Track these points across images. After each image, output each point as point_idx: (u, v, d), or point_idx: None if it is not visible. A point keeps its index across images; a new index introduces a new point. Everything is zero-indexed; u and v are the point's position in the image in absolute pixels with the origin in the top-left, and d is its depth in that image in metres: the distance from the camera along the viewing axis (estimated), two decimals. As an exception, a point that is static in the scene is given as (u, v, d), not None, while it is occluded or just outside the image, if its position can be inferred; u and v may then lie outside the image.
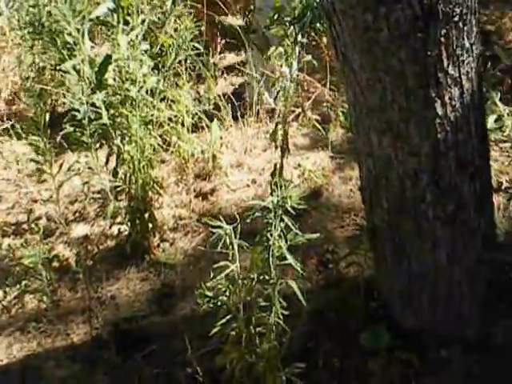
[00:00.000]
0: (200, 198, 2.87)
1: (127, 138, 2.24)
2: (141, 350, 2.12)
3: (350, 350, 2.02)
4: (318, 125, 3.10)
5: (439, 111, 1.63)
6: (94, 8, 2.25)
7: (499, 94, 3.24)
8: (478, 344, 1.93)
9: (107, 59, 2.15)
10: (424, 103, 1.63)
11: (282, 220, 1.55)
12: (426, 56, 1.56)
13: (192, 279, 2.41)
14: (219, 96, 3.20)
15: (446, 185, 1.74)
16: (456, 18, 1.54)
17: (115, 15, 2.23)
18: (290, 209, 1.54)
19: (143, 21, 2.31)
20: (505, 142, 3.04)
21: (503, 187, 2.75)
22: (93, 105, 2.12)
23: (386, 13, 1.50)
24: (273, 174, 2.71)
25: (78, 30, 2.09)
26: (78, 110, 2.08)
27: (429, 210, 1.77)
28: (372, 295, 2.14)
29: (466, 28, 1.59)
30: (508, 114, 3.11)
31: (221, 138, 3.10)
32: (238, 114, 3.23)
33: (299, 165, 3.06)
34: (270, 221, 1.55)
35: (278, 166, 2.66)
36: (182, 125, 2.77)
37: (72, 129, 2.16)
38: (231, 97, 3.30)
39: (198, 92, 3.22)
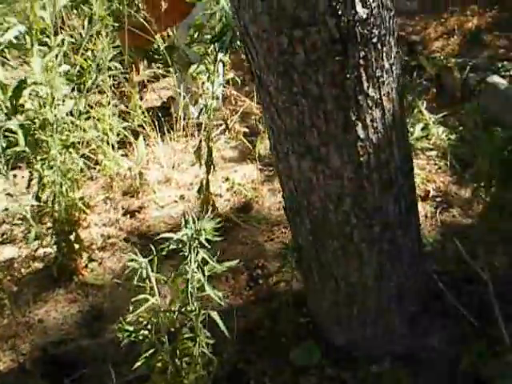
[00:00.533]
0: (128, 216, 2.87)
1: (47, 163, 2.22)
2: (70, 375, 2.10)
3: (282, 368, 2.04)
4: (244, 139, 3.14)
5: (360, 134, 1.62)
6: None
7: (425, 103, 3.35)
8: (408, 358, 1.97)
9: (21, 84, 2.13)
10: (344, 126, 1.61)
11: (198, 253, 1.55)
12: (345, 79, 1.55)
13: (121, 301, 2.40)
14: (144, 112, 3.21)
15: (371, 207, 1.74)
16: (374, 40, 1.55)
17: (28, 38, 2.21)
18: (204, 242, 1.55)
19: (62, 40, 2.30)
20: (431, 150, 3.12)
21: (430, 195, 2.83)
22: (9, 130, 2.11)
23: (301, 36, 1.49)
24: (199, 190, 2.74)
25: None
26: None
27: (354, 232, 1.77)
28: (302, 311, 2.18)
29: (385, 49, 1.59)
30: (434, 123, 3.21)
31: (147, 154, 3.10)
32: (165, 129, 3.25)
33: (228, 178, 3.09)
34: (186, 253, 1.55)
35: (204, 182, 2.68)
36: (108, 143, 2.77)
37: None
38: (158, 112, 3.32)
39: (123, 110, 3.22)
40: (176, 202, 2.97)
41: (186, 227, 1.52)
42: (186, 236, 1.53)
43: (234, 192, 3.02)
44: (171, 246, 1.55)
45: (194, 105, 3.17)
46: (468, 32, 4.19)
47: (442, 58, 3.78)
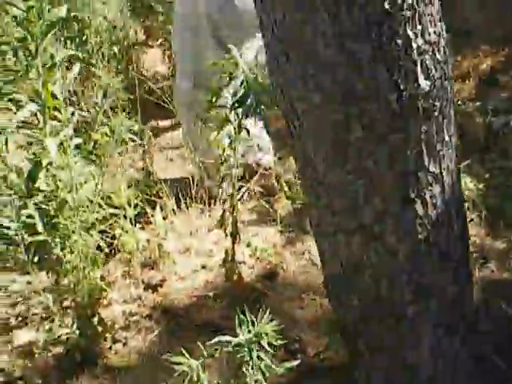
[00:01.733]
0: (150, 290, 2.81)
1: (68, 248, 2.17)
2: None
3: None
4: (264, 201, 3.11)
5: (419, 211, 1.57)
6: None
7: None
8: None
9: (36, 165, 2.09)
10: (402, 204, 1.56)
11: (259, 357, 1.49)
12: (405, 156, 1.50)
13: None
14: (161, 181, 3.18)
15: (427, 282, 1.67)
16: (436, 113, 1.50)
17: (40, 116, 2.19)
18: (266, 346, 1.49)
19: (72, 113, 2.28)
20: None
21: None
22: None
23: (358, 112, 1.44)
24: (224, 261, 2.70)
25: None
26: (8, 227, 2.00)
27: (408, 308, 1.70)
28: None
29: (445, 121, 1.55)
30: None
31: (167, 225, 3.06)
32: (180, 195, 3.21)
33: (249, 244, 3.04)
34: (246, 358, 1.48)
35: (229, 252, 2.64)
36: (125, 217, 2.73)
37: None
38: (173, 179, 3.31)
39: (138, 180, 3.19)
40: (197, 271, 2.92)
41: (241, 327, 1.46)
42: (245, 340, 1.47)
43: (257, 258, 2.97)
44: (225, 349, 1.48)
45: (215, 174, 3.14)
46: (483, 74, 4.18)
47: (460, 103, 3.76)
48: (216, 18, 2.91)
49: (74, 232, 2.16)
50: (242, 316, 1.50)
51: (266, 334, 1.48)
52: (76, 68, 2.22)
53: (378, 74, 1.41)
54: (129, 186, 2.72)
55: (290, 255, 2.99)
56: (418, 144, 1.50)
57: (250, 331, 1.49)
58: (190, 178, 3.29)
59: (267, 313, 1.56)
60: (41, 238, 2.05)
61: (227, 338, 1.52)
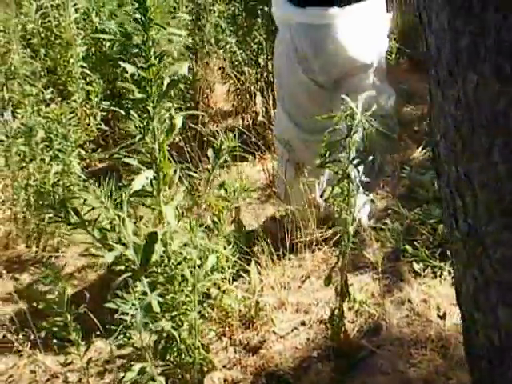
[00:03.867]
0: (250, 353, 2.76)
1: (185, 326, 2.14)
2: None
3: None
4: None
5: None
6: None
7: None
8: None
9: (153, 238, 2.05)
10: None
11: None
12: None
13: None
14: (253, 232, 3.14)
15: None
16: None
17: (154, 183, 2.15)
18: None
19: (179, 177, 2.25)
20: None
21: None
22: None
23: None
24: (331, 320, 2.65)
25: (119, 216, 1.98)
26: (128, 313, 1.96)
27: None
28: None
29: None
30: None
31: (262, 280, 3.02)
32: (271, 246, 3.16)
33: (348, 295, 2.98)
34: None
35: (338, 311, 2.59)
36: (225, 278, 2.68)
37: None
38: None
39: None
40: (297, 329, 2.87)
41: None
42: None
43: (357, 311, 2.90)
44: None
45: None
46: None
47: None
48: (308, 56, 2.87)
49: (189, 309, 2.13)
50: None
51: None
52: (179, 121, 2.17)
53: None
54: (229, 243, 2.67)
55: (389, 305, 2.93)
56: None
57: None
58: (278, 225, 3.26)
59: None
60: (163, 324, 2.00)
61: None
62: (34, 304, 3.00)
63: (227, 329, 2.84)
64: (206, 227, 2.31)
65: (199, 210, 2.33)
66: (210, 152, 2.30)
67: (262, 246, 3.05)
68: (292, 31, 2.83)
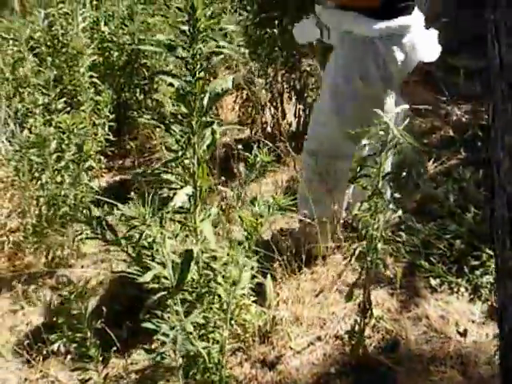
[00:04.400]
0: (266, 369, 2.74)
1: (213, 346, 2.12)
2: None
3: None
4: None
5: None
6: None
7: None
8: None
9: (189, 256, 2.03)
10: None
11: None
12: None
13: None
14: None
15: None
16: None
17: (192, 199, 2.12)
18: None
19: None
20: None
21: None
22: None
23: None
24: (351, 335, 2.64)
25: (162, 234, 1.96)
26: (165, 334, 1.94)
27: None
28: None
29: None
30: None
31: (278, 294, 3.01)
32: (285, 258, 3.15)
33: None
34: None
35: (359, 327, 2.58)
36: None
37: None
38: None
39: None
40: (313, 344, 2.85)
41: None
42: None
43: (373, 326, 2.89)
44: None
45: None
46: None
47: None
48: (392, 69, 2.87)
49: (219, 326, 2.12)
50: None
51: None
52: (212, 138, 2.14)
53: None
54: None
55: (406, 321, 2.92)
56: None
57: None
58: (292, 237, 3.26)
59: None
60: (197, 344, 1.99)
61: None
62: (47, 317, 3.00)
63: (242, 343, 2.83)
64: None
65: (231, 224, 2.31)
66: (241, 167, 2.28)
67: (277, 259, 3.05)
68: (378, 46, 2.79)
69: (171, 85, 1.97)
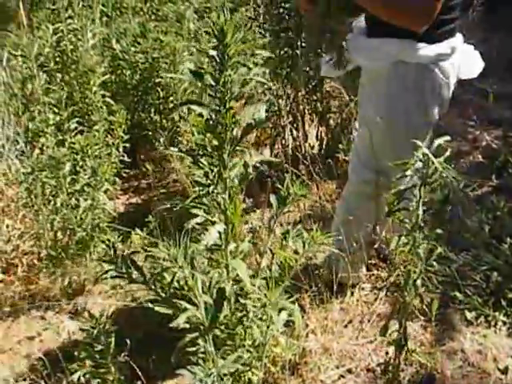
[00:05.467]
0: (297, 403, 2.78)
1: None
2: None
3: None
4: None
5: None
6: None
7: None
8: None
9: (221, 295, 2.05)
10: None
11: None
12: None
13: None
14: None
15: None
16: None
17: (223, 235, 2.09)
18: None
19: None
20: None
21: None
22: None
23: None
24: (386, 370, 2.67)
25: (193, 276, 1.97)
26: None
27: None
28: None
29: None
30: None
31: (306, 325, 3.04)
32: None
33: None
34: None
35: (395, 363, 2.62)
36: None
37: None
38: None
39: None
40: (344, 377, 2.89)
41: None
42: None
43: (406, 359, 2.92)
44: None
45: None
46: None
47: None
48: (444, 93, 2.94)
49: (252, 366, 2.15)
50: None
51: None
52: (245, 172, 2.17)
53: None
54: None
55: (441, 355, 2.95)
56: None
57: None
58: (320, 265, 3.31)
59: None
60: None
61: None
62: (65, 346, 3.03)
63: (269, 376, 2.86)
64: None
65: (261, 259, 2.34)
66: (272, 198, 2.29)
67: (306, 288, 3.09)
68: (432, 71, 2.85)
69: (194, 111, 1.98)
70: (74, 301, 3.33)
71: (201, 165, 2.00)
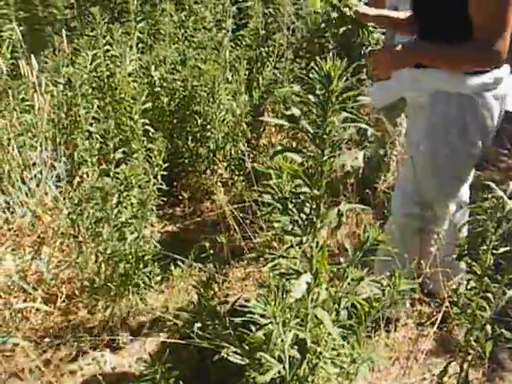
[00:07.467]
0: None
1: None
2: None
3: None
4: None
5: None
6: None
7: None
8: None
9: (304, 347, 1.97)
10: None
11: None
12: None
13: None
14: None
15: None
16: None
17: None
18: None
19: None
20: None
21: None
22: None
23: None
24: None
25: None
26: None
27: None
28: None
29: None
30: None
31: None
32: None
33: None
34: None
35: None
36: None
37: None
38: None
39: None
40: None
41: None
42: None
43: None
44: None
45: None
46: None
47: None
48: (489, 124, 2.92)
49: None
50: None
51: None
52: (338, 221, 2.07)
53: None
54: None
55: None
56: None
57: None
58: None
59: None
60: None
61: None
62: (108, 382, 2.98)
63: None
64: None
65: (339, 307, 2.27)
66: (347, 244, 2.22)
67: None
68: (476, 101, 2.80)
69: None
70: (115, 334, 3.26)
71: (290, 212, 1.92)
